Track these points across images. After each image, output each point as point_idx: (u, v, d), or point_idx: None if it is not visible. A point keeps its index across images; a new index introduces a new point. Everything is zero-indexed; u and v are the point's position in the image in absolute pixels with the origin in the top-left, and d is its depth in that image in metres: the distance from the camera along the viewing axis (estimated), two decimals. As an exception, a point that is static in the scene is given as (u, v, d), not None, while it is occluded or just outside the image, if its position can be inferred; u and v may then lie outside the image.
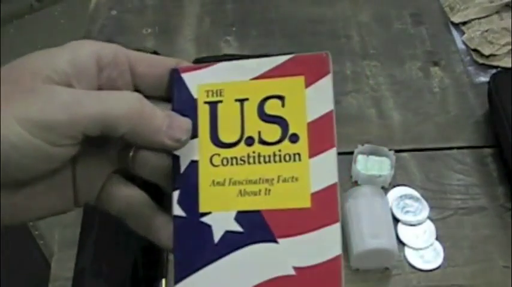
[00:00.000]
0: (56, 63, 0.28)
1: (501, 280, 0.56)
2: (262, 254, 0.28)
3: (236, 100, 0.30)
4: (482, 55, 0.73)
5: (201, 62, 0.72)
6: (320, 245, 0.28)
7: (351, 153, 0.63)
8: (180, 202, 0.30)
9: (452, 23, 0.77)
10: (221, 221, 0.29)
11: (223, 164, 0.29)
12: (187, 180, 0.30)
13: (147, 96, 0.29)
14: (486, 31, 0.74)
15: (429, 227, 0.59)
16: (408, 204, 0.61)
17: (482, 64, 0.73)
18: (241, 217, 0.29)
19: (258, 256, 0.28)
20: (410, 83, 0.72)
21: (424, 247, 0.58)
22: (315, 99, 0.29)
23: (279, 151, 0.29)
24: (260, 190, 0.29)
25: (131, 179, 0.33)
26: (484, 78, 0.71)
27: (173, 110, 0.30)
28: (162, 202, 0.32)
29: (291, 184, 0.29)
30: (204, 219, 0.29)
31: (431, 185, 0.63)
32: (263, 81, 0.30)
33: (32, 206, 0.29)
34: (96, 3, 0.82)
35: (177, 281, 0.29)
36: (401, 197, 0.61)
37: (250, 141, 0.29)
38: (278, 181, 0.29)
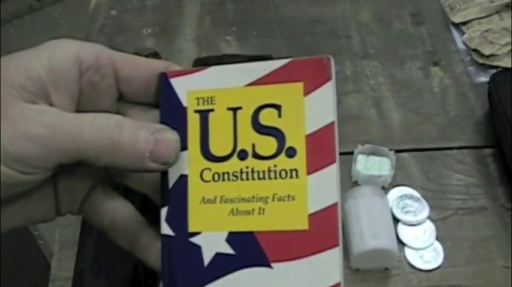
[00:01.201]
0: (30, 69, 0.25)
1: (501, 280, 0.56)
2: (255, 279, 0.26)
3: (229, 109, 0.27)
4: (482, 55, 0.73)
5: (201, 62, 0.72)
6: (318, 272, 0.25)
7: (351, 153, 0.63)
8: (168, 220, 0.27)
9: (452, 23, 0.77)
10: (211, 242, 0.26)
11: (214, 180, 0.27)
12: (176, 196, 0.27)
13: (133, 102, 0.28)
14: (486, 31, 0.74)
15: (429, 227, 0.59)
16: (408, 204, 0.61)
17: (483, 64, 0.73)
18: (233, 238, 0.26)
19: (251, 281, 0.26)
20: (410, 83, 0.72)
21: (424, 247, 0.58)
22: (315, 109, 0.26)
23: (275, 166, 0.26)
24: (253, 209, 0.26)
25: (117, 187, 0.30)
26: (484, 78, 0.71)
27: (160, 119, 0.28)
28: (150, 211, 0.30)
29: (287, 203, 0.26)
30: (194, 239, 0.27)
31: (431, 185, 0.63)
32: (258, 88, 0.27)
33: (9, 217, 0.27)
34: (96, 3, 0.82)
35: None
36: (401, 197, 0.61)
37: (243, 155, 0.27)
38: (273, 200, 0.26)
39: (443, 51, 0.75)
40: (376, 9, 0.80)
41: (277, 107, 0.27)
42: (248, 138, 0.27)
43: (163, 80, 0.28)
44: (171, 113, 0.28)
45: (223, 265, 0.26)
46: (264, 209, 0.26)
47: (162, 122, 0.28)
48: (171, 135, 0.26)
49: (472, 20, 0.77)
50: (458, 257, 0.58)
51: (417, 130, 0.68)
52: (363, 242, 0.54)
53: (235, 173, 0.27)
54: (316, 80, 0.26)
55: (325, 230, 0.25)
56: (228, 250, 0.26)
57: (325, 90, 0.26)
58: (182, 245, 0.27)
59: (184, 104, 0.28)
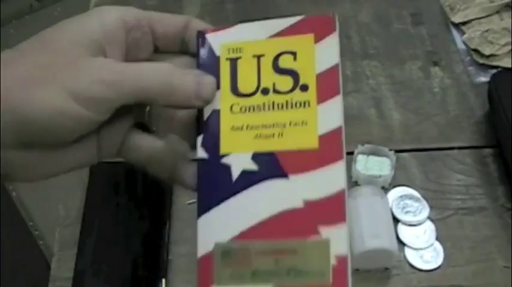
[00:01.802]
0: (90, 32, 0.30)
1: (501, 280, 0.56)
2: (275, 189, 0.31)
3: (253, 56, 0.34)
4: (482, 55, 0.73)
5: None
6: (326, 181, 0.32)
7: (351, 153, 0.63)
8: (203, 145, 0.33)
9: (452, 23, 0.77)
10: (239, 162, 0.32)
11: (241, 112, 0.33)
12: (209, 126, 0.33)
13: (164, 52, 0.34)
14: (486, 31, 0.74)
15: (429, 228, 0.59)
16: (408, 204, 0.61)
17: (483, 64, 0.73)
18: (257, 157, 0.32)
19: (271, 190, 0.32)
20: (410, 83, 0.72)
21: (424, 247, 0.58)
22: (323, 54, 0.33)
23: (291, 99, 0.33)
24: (274, 134, 0.32)
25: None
26: (484, 78, 0.71)
27: (198, 66, 0.34)
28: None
29: (301, 128, 0.32)
30: (224, 160, 0.33)
31: (431, 185, 0.63)
32: (278, 39, 0.34)
33: (61, 163, 0.32)
34: (96, 4, 0.82)
35: (199, 215, 0.33)
36: (401, 197, 0.61)
37: (265, 92, 0.33)
38: (290, 125, 0.32)
39: (443, 51, 0.75)
40: (376, 9, 0.80)
41: (293, 53, 0.33)
42: (269, 78, 0.33)
43: (201, 36, 0.34)
44: (207, 61, 0.34)
45: (248, 179, 0.32)
46: (282, 133, 0.32)
47: (199, 68, 0.34)
48: (210, 79, 0.33)
49: (472, 20, 0.77)
50: (459, 257, 0.58)
51: (417, 130, 0.68)
52: (363, 242, 0.54)
53: (259, 106, 0.33)
54: (324, 31, 0.34)
55: (331, 147, 0.33)
56: (252, 166, 0.32)
57: (331, 39, 0.33)
58: (214, 166, 0.33)
59: (218, 54, 0.34)
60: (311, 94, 0.33)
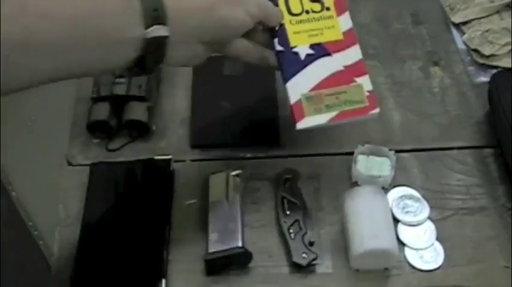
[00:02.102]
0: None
1: (502, 280, 0.56)
2: (326, 61, 0.57)
3: None
4: (482, 55, 0.73)
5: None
6: (352, 54, 0.58)
7: (351, 153, 0.63)
8: (279, 43, 0.57)
9: (452, 23, 0.77)
10: (303, 49, 0.57)
11: (296, 23, 0.58)
12: (281, 33, 0.58)
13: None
14: (486, 31, 0.74)
15: (429, 228, 0.59)
16: (408, 204, 0.61)
17: (483, 64, 0.73)
18: (312, 46, 0.57)
19: (324, 62, 0.57)
20: (410, 83, 0.72)
21: (424, 247, 0.58)
22: None
23: (322, 15, 0.59)
24: (318, 34, 0.58)
25: None
26: (484, 78, 0.71)
27: None
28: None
29: (331, 29, 0.58)
30: (294, 49, 0.57)
31: (431, 185, 0.63)
32: None
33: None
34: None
35: (286, 81, 0.56)
36: (401, 197, 0.61)
37: (307, 12, 0.59)
38: (325, 29, 0.58)
39: (443, 51, 0.75)
40: (376, 9, 0.80)
41: None
42: (308, 5, 0.59)
43: None
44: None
45: (310, 58, 0.57)
46: (322, 33, 0.58)
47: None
48: (277, 10, 0.58)
49: (472, 20, 0.77)
50: (459, 257, 0.58)
51: (417, 130, 0.68)
52: (363, 242, 0.54)
53: (305, 20, 0.58)
54: None
55: (350, 38, 0.58)
56: (311, 51, 0.57)
57: None
58: (288, 54, 0.57)
59: None
60: (332, 12, 0.59)
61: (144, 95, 0.66)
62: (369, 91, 0.56)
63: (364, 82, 0.56)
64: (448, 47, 0.75)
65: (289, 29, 0.58)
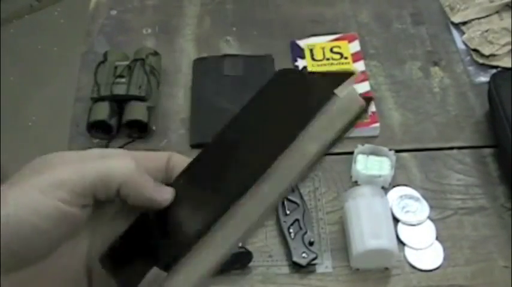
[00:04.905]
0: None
1: (501, 280, 0.56)
2: None
3: (320, 48, 0.75)
4: (482, 55, 0.73)
5: (201, 61, 0.72)
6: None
7: (351, 153, 0.63)
8: None
9: (452, 23, 0.77)
10: None
11: (318, 67, 0.72)
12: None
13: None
14: (486, 31, 0.74)
15: (429, 227, 0.59)
16: (408, 204, 0.61)
17: (482, 64, 0.73)
18: None
19: None
20: (410, 83, 0.72)
21: (424, 247, 0.58)
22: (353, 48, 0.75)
23: (341, 61, 0.72)
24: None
25: None
26: (484, 78, 0.71)
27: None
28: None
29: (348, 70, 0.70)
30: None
31: (431, 185, 0.63)
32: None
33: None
34: (96, 3, 0.82)
35: None
36: (401, 197, 0.61)
37: (328, 59, 0.72)
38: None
39: (443, 51, 0.75)
40: (376, 9, 0.80)
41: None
42: (329, 55, 0.73)
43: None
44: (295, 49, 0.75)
45: None
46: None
47: None
48: (167, 188, 0.35)
49: (472, 20, 0.77)
50: (458, 257, 0.58)
51: (417, 130, 0.68)
52: (363, 242, 0.54)
53: (325, 64, 0.73)
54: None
55: (360, 77, 0.71)
56: None
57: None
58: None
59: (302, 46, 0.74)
60: (349, 60, 0.72)
61: (144, 95, 0.66)
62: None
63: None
64: (448, 47, 0.75)
65: (312, 69, 0.72)
